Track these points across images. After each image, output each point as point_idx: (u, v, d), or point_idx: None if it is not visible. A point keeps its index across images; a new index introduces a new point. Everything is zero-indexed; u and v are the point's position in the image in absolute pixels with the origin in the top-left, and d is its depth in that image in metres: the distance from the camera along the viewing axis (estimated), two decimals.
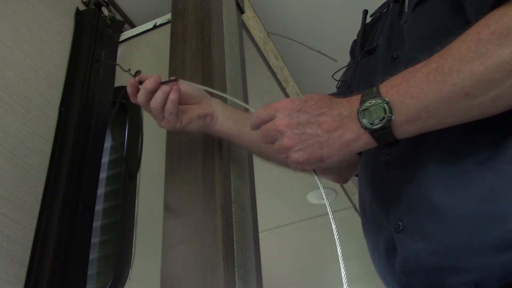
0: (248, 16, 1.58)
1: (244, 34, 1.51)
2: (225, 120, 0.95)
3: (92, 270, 1.12)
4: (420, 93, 0.61)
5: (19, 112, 1.09)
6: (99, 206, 1.20)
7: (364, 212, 0.82)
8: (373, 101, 0.63)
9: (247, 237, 1.00)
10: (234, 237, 0.94)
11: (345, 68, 1.00)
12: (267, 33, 1.77)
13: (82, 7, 1.41)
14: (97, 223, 1.18)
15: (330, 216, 0.68)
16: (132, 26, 1.65)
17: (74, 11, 1.37)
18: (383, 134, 0.64)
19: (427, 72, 0.61)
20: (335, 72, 0.98)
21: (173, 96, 0.87)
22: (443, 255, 0.64)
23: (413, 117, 0.62)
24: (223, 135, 0.98)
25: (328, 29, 1.84)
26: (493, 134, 0.64)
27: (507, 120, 0.63)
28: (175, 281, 0.89)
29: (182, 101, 0.91)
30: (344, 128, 0.66)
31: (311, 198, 2.78)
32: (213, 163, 0.99)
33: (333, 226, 0.67)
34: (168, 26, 1.30)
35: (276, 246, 3.12)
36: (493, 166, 0.62)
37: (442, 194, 0.65)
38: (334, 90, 1.06)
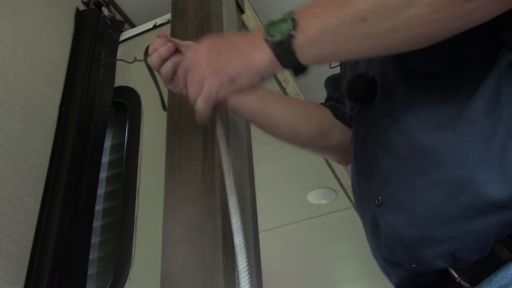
0: (248, 16, 1.58)
1: None
2: None
3: (92, 270, 1.12)
4: (322, 13, 0.62)
5: (19, 112, 1.09)
6: (99, 206, 1.20)
7: (354, 190, 0.81)
8: (281, 17, 0.64)
9: (247, 237, 1.00)
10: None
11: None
12: None
13: (82, 7, 1.41)
14: (97, 223, 1.18)
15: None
16: (132, 26, 1.65)
17: (74, 11, 1.37)
18: (284, 51, 0.64)
19: None
20: (334, 66, 0.98)
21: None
22: (418, 226, 0.62)
23: (313, 38, 0.62)
24: None
25: None
26: (457, 95, 0.63)
27: (469, 80, 0.62)
28: (175, 281, 0.89)
29: None
30: (254, 47, 0.67)
31: (311, 198, 2.78)
32: (213, 163, 0.99)
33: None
34: (168, 26, 1.30)
35: (276, 246, 3.12)
36: (457, 128, 0.61)
37: (413, 163, 0.64)
38: None
